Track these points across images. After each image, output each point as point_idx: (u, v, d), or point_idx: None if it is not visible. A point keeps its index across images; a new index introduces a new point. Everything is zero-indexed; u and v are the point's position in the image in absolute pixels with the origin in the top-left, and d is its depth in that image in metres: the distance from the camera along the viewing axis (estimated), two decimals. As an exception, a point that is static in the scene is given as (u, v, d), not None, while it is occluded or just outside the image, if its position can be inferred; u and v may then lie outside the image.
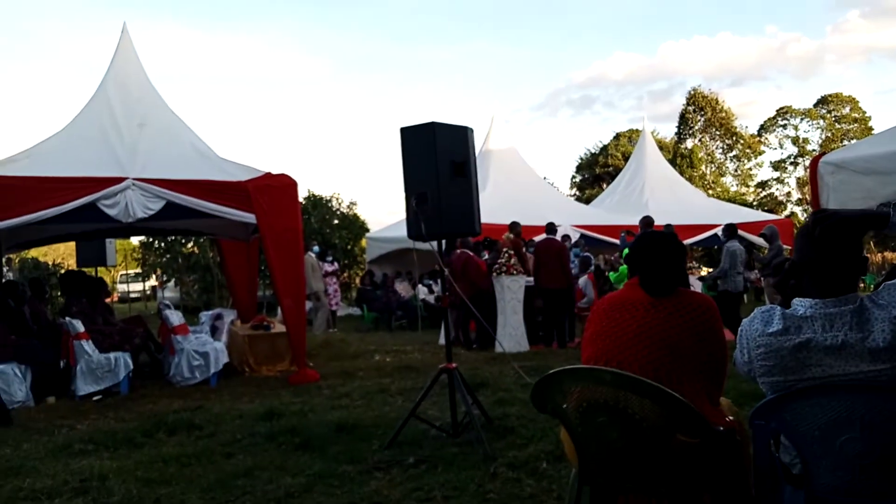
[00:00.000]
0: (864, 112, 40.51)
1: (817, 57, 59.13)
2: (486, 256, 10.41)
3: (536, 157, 72.41)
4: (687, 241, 14.24)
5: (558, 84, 72.75)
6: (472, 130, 4.87)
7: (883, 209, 2.02)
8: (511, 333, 9.32)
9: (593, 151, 44.84)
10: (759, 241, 14.61)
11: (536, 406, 2.38)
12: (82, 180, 6.73)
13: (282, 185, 7.55)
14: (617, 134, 43.71)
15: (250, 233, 8.87)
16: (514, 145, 16.88)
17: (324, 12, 72.67)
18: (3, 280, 9.09)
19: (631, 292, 2.52)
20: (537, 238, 11.36)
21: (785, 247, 10.97)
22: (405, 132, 4.70)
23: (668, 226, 10.84)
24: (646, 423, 2.12)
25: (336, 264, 14.26)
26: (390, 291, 14.36)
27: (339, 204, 19.70)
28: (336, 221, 19.13)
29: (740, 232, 15.81)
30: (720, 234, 9.57)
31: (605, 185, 42.94)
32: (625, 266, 9.81)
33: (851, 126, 40.41)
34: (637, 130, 41.98)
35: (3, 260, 10.39)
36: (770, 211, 38.24)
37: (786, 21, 65.32)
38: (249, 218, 7.32)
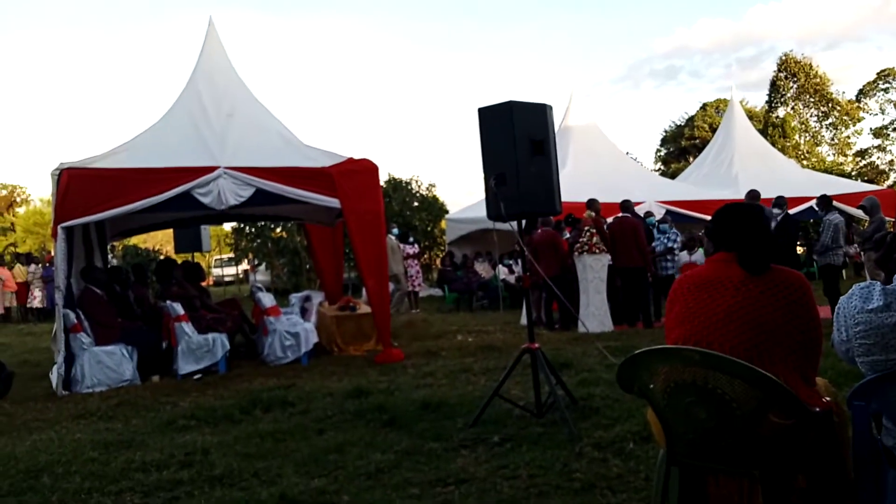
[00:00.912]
0: None
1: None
2: (568, 235, 10.30)
3: (619, 131, 70.64)
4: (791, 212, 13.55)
5: (640, 55, 70.71)
6: (550, 108, 4.81)
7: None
8: (594, 313, 9.21)
9: (679, 123, 43.36)
10: (859, 213, 13.82)
11: (622, 386, 2.37)
12: (177, 171, 7.09)
13: (364, 170, 7.71)
14: (704, 104, 42.06)
15: (335, 217, 9.11)
16: (594, 120, 16.57)
17: (400, -6, 72.93)
18: (109, 266, 9.72)
19: (717, 269, 2.41)
20: (609, 218, 11.11)
21: (888, 219, 10.32)
22: (483, 112, 4.70)
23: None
24: (736, 403, 2.07)
25: (417, 246, 14.46)
26: (471, 272, 14.45)
27: (419, 186, 19.95)
28: (416, 204, 19.37)
29: (837, 204, 15.00)
30: (815, 206, 9.09)
31: (691, 159, 41.50)
32: None
33: (966, 86, 37.31)
34: (725, 100, 40.19)
35: (108, 247, 11.09)
36: (870, 181, 35.93)
37: (889, -25, 60.67)
38: (334, 203, 7.53)
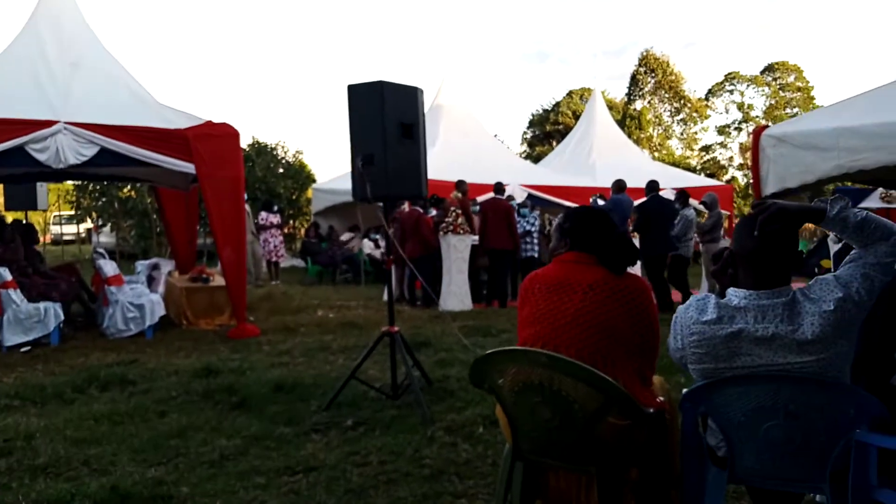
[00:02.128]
0: (808, 82, 41.52)
1: (768, 21, 59.94)
2: (434, 214, 10.37)
3: (490, 108, 71.76)
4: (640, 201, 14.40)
5: (516, 35, 72.07)
6: (422, 91, 4.76)
7: (820, 204, 2.06)
8: (455, 292, 9.38)
9: (546, 108, 44.87)
10: (700, 207, 15.05)
11: (474, 383, 2.38)
12: (8, 122, 6.35)
13: (223, 135, 7.30)
14: (570, 91, 43.73)
15: (189, 182, 8.58)
16: (465, 101, 16.72)
17: (274, -52, 69.51)
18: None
19: (568, 271, 2.45)
20: (480, 198, 11.34)
21: (724, 212, 11.26)
22: (353, 90, 4.55)
23: (619, 180, 10.83)
24: (578, 404, 2.14)
25: (280, 215, 13.96)
26: (335, 245, 14.22)
27: (285, 152, 19.23)
28: (281, 170, 18.67)
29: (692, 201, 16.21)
30: (674, 201, 9.72)
31: (554, 143, 43.16)
32: None
33: (795, 95, 41.41)
34: (589, 89, 42.11)
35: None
36: (712, 175, 39.17)
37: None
38: (188, 167, 7.08)
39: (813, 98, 41.28)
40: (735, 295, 2.06)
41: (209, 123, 7.28)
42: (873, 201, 13.32)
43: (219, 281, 8.10)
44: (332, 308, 9.37)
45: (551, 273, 2.50)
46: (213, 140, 7.12)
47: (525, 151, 45.98)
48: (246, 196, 13.50)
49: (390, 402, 4.66)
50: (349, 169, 4.66)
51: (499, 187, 10.42)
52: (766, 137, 6.97)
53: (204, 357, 6.16)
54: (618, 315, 2.31)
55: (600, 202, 11.62)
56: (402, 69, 73.20)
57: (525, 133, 46.38)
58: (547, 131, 43.89)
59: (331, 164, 72.11)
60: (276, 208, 13.80)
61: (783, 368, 1.97)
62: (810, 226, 25.78)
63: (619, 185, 10.49)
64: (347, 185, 5.02)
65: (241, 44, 70.93)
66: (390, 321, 4.81)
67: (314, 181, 18.81)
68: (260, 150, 18.49)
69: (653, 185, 9.69)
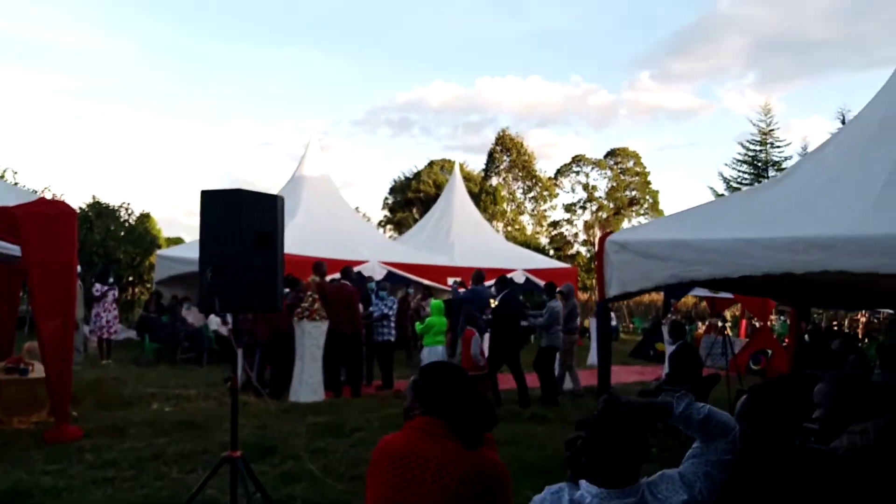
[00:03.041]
0: (645, 167, 45.56)
1: (612, 109, 65.51)
2: (287, 293, 10.02)
3: (353, 172, 72.06)
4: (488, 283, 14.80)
5: (380, 102, 73.55)
6: (282, 199, 4.61)
7: (666, 399, 2.14)
8: (307, 381, 9.02)
9: (408, 175, 45.79)
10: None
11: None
12: None
13: (57, 214, 6.64)
14: (431, 161, 45.03)
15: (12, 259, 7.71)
16: (328, 172, 16.60)
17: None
18: None
19: (419, 442, 2.28)
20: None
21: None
22: (207, 197, 4.31)
23: (479, 271, 11.12)
24: None
25: (116, 290, 12.70)
26: (178, 319, 13.32)
27: (129, 214, 17.96)
28: (122, 234, 17.35)
29: (532, 277, 16.91)
30: (544, 293, 10.26)
31: (415, 210, 44.01)
32: (434, 318, 9.86)
33: (634, 178, 45.22)
34: (450, 160, 43.56)
35: None
36: (559, 249, 41.48)
37: (589, 72, 71.95)
38: (14, 250, 6.36)
39: (650, 182, 45.30)
40: (588, 492, 2.07)
41: (42, 200, 6.64)
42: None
43: (39, 371, 7.23)
44: (170, 399, 8.64)
45: (401, 443, 2.32)
46: (45, 220, 6.45)
47: (386, 217, 46.45)
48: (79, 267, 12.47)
49: (230, 534, 4.29)
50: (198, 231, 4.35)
51: (346, 272, 10.21)
52: (609, 243, 7.38)
53: (12, 472, 5.38)
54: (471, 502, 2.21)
55: (460, 290, 11.77)
56: (267, 134, 72.08)
57: (387, 198, 46.95)
58: (408, 198, 44.69)
59: (179, 214, 68.72)
60: (111, 280, 12.62)
61: (634, 568, 1.99)
62: (652, 302, 27.51)
63: (479, 276, 10.72)
64: (195, 253, 4.64)
65: (78, 94, 66.69)
66: (233, 443, 4.46)
67: (159, 246, 17.68)
68: (100, 211, 17.14)
69: (346, 272, 10.10)
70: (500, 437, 6.89)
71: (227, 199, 4.28)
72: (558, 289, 10.96)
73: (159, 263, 15.77)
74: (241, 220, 4.24)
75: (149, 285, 17.31)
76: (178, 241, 27.39)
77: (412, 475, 2.22)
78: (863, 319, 23.34)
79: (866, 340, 20.15)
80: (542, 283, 17.06)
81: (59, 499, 4.83)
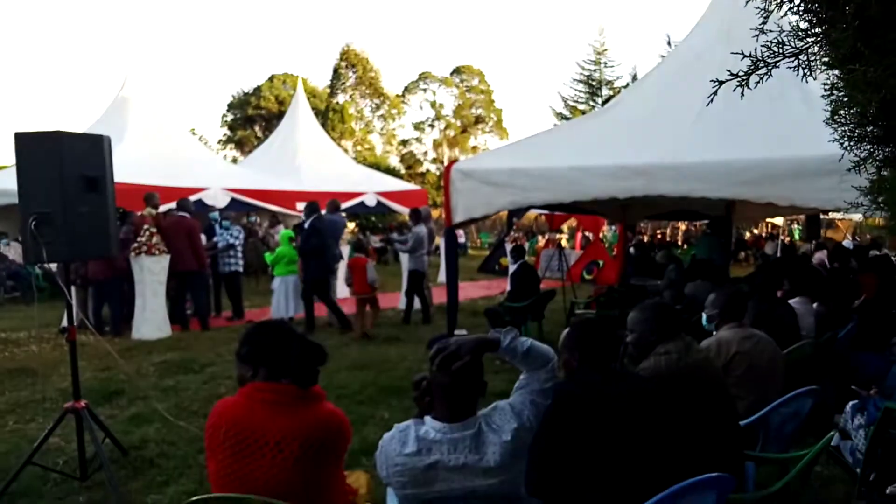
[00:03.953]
0: (489, 85, 46.33)
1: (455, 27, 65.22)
2: (122, 229, 9.44)
3: (187, 97, 66.89)
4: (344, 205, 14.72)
5: (220, 16, 68.22)
6: (108, 139, 4.32)
7: (495, 335, 2.38)
8: (150, 318, 8.70)
9: (247, 91, 43.51)
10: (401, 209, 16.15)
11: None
12: None
13: None
14: (272, 76, 43.01)
15: None
16: (156, 92, 15.42)
17: None
18: None
19: (252, 414, 2.32)
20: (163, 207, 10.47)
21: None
22: (22, 140, 3.95)
23: (334, 200, 10.94)
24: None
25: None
26: (-2, 256, 12.18)
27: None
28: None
29: (384, 200, 17.05)
30: (408, 218, 10.10)
31: (256, 127, 42.18)
32: (284, 248, 9.70)
33: (479, 96, 45.92)
34: (292, 75, 41.78)
35: None
36: (409, 167, 41.76)
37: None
38: None
39: (493, 101, 46.23)
40: (432, 427, 2.29)
41: None
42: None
43: None
44: (-4, 345, 8.04)
45: (238, 414, 2.34)
46: None
47: (226, 135, 44.16)
48: None
49: (78, 485, 4.20)
50: (13, 161, 4.01)
51: (182, 204, 9.68)
52: (455, 171, 7.63)
53: None
54: (311, 475, 2.30)
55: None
56: (85, 58, 64.65)
57: (225, 116, 44.52)
58: (248, 115, 42.68)
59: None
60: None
61: (474, 491, 2.26)
62: (497, 218, 28.78)
63: (335, 205, 10.63)
64: (9, 184, 4.29)
65: None
66: (75, 393, 4.30)
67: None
68: None
69: (182, 204, 9.71)
70: (355, 360, 7.16)
71: (46, 141, 3.95)
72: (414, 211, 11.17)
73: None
74: (64, 165, 3.95)
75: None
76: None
77: (250, 450, 2.28)
78: (682, 227, 25.90)
79: (685, 247, 22.48)
80: (392, 204, 17.31)
81: None
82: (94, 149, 4.17)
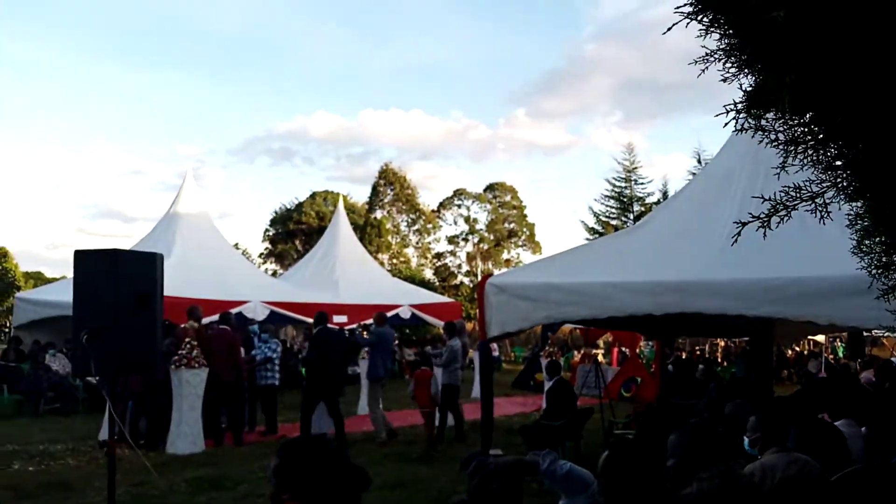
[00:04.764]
0: (521, 201, 47.38)
1: (490, 144, 67.91)
2: (165, 342, 9.66)
3: (230, 203, 70.04)
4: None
5: (258, 132, 72.28)
6: (161, 257, 4.55)
7: (533, 457, 2.37)
8: (186, 432, 8.69)
9: (289, 207, 45.13)
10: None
11: None
12: None
13: None
14: (313, 193, 44.71)
15: None
16: (206, 209, 16.17)
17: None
18: None
19: None
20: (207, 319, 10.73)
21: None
22: (81, 257, 4.20)
23: (381, 313, 11.07)
24: None
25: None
26: (40, 367, 12.40)
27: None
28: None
29: (418, 312, 17.18)
30: (442, 331, 10.20)
31: (297, 242, 43.38)
32: None
33: (511, 211, 46.88)
34: (332, 192, 43.45)
35: None
36: (443, 280, 42.16)
37: (468, 108, 74.43)
38: None
39: (526, 216, 47.13)
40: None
41: None
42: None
43: None
44: (34, 457, 8.07)
45: None
46: None
47: (267, 249, 45.46)
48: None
49: None
50: (64, 270, 4.22)
51: (225, 317, 9.96)
52: (489, 286, 7.71)
53: None
54: None
55: (364, 335, 11.58)
56: (135, 161, 68.82)
57: (267, 230, 46.00)
58: (290, 229, 44.03)
59: (40, 247, 63.81)
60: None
61: None
62: (532, 332, 28.64)
63: (381, 318, 10.67)
64: (61, 296, 4.49)
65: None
66: (111, 509, 4.30)
67: (18, 287, 16.43)
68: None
69: (225, 317, 10.02)
70: (387, 480, 7.02)
71: (102, 259, 4.20)
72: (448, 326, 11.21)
73: (18, 307, 14.63)
74: (119, 281, 4.17)
75: (7, 330, 16.00)
76: (38, 275, 25.54)
77: None
78: (721, 344, 25.33)
79: (724, 363, 21.90)
80: (426, 317, 17.42)
81: None
82: (147, 266, 4.39)
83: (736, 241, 1.73)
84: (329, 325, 9.73)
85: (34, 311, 13.89)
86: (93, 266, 4.17)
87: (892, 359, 14.91)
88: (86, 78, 65.39)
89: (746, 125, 1.42)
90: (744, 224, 1.52)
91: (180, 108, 70.02)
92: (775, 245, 5.92)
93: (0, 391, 11.82)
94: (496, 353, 22.89)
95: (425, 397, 9.15)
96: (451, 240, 46.13)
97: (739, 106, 1.34)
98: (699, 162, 29.03)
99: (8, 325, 15.61)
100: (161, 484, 6.93)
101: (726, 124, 1.35)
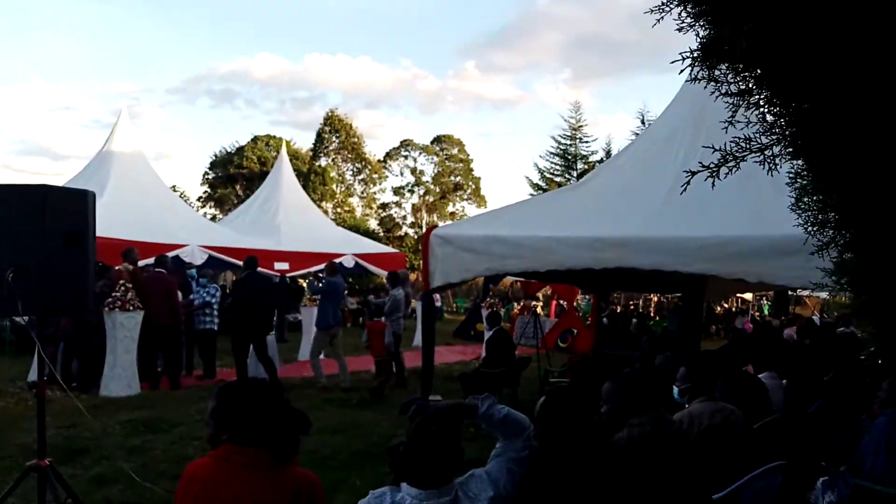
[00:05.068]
0: (468, 154, 47.32)
1: (439, 95, 67.25)
2: (98, 284, 9.35)
3: (168, 144, 67.53)
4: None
5: (199, 71, 69.51)
6: (93, 195, 4.35)
7: (472, 401, 2.41)
8: (121, 374, 8.53)
9: (230, 150, 43.86)
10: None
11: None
12: None
13: None
14: (255, 137, 43.49)
15: None
16: (141, 148, 15.47)
17: None
18: None
19: (224, 476, 2.21)
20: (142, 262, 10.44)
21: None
22: (4, 192, 3.97)
23: (332, 262, 10.96)
24: None
25: None
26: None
27: None
28: None
29: (361, 262, 17.11)
30: (386, 281, 10.18)
31: (237, 186, 42.35)
32: None
33: (458, 164, 46.80)
34: (275, 137, 42.34)
35: None
36: (388, 231, 42.03)
37: (418, 58, 73.09)
38: None
39: (472, 169, 47.13)
40: (408, 494, 2.29)
41: None
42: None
43: None
44: (-43, 399, 7.80)
45: (210, 476, 2.25)
46: None
47: (206, 192, 44.24)
48: None
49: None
50: None
51: (161, 260, 9.72)
52: (434, 237, 7.73)
53: None
54: None
55: (317, 283, 11.36)
56: (67, 97, 65.29)
57: (207, 173, 44.68)
58: (230, 173, 42.88)
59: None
60: None
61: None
62: (474, 283, 28.97)
63: (333, 267, 10.59)
64: None
65: None
66: (40, 451, 4.19)
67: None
68: None
69: (161, 260, 10.02)
70: (327, 424, 7.06)
71: (29, 195, 3.98)
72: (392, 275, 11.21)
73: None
74: (47, 219, 3.97)
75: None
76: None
77: None
78: (654, 299, 26.19)
79: (657, 318, 22.70)
80: (370, 266, 17.36)
81: None
82: (79, 204, 4.20)
83: (685, 189, 1.75)
84: (258, 270, 9.63)
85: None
86: (18, 202, 3.95)
87: (814, 317, 15.72)
88: (20, 10, 61.22)
89: (700, 75, 1.43)
90: (693, 173, 1.54)
91: (118, 45, 66.58)
92: (712, 206, 6.11)
93: (-81, 331, 11.29)
94: (438, 304, 23.09)
95: (380, 346, 9.29)
96: (397, 191, 45.91)
97: (695, 55, 1.34)
98: (643, 122, 29.42)
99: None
100: (94, 426, 6.79)
101: (681, 71, 1.36)
